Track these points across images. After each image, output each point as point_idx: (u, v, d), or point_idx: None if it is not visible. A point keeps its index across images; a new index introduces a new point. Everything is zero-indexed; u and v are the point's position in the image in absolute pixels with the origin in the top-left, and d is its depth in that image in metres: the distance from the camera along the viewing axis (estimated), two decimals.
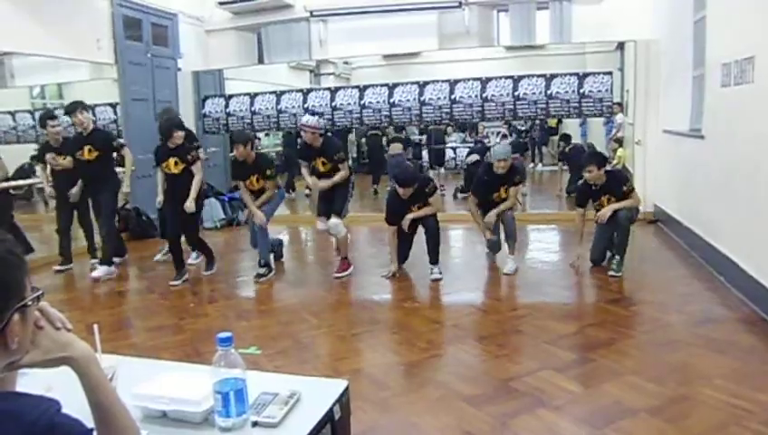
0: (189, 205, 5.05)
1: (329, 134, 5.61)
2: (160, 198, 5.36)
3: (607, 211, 4.85)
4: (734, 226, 4.40)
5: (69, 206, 5.64)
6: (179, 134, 5.16)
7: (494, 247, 5.45)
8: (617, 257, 4.92)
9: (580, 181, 5.27)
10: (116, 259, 5.69)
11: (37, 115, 7.51)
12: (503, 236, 5.38)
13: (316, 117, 5.25)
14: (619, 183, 4.96)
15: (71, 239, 5.84)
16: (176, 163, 5.13)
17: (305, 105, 8.08)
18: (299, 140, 5.30)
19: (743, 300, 4.06)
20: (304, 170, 5.33)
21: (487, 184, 5.29)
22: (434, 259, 5.06)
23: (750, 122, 4.00)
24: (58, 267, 5.70)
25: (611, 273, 4.85)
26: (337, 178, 5.08)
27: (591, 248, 5.22)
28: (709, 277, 4.67)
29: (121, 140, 5.52)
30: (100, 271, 5.38)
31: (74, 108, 5.31)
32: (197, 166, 5.20)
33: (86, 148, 5.32)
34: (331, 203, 5.18)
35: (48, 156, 5.54)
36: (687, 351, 3.31)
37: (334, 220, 5.11)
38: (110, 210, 5.59)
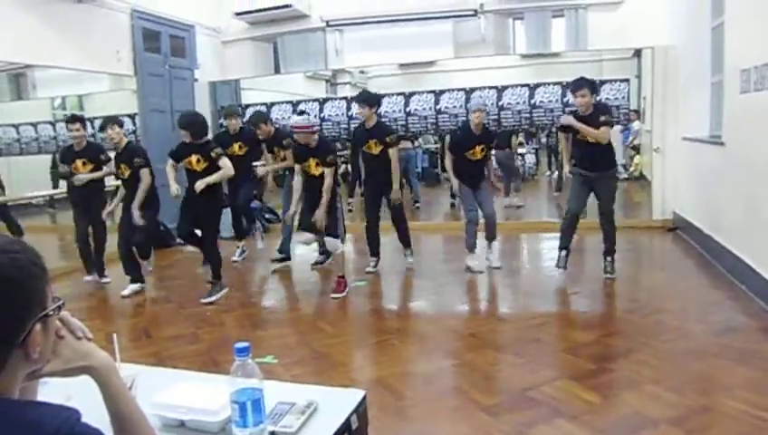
0: (199, 184, 4.77)
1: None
2: (174, 187, 5.04)
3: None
4: (755, 234, 4.34)
5: (87, 218, 5.48)
6: (183, 132, 4.93)
7: (472, 221, 5.46)
8: (608, 259, 4.91)
9: (569, 110, 5.36)
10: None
11: (58, 126, 7.66)
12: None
13: (304, 115, 5.06)
14: (601, 114, 4.76)
15: (90, 248, 5.70)
16: (198, 160, 4.91)
17: (321, 114, 8.13)
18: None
19: (765, 309, 3.99)
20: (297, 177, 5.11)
21: (463, 140, 5.39)
22: (406, 244, 5.61)
23: None
24: (87, 277, 5.64)
25: (606, 275, 4.82)
26: (325, 186, 4.80)
27: (569, 200, 5.06)
28: (730, 286, 4.60)
29: (138, 160, 5.24)
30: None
31: (105, 123, 5.24)
32: (224, 161, 4.94)
33: (122, 166, 5.23)
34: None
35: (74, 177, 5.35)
36: (709, 361, 3.26)
37: (330, 239, 4.90)
38: (153, 225, 5.53)
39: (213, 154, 4.93)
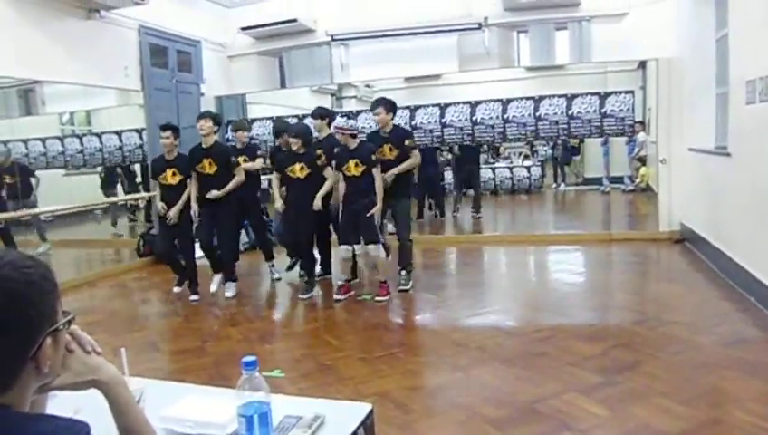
0: (317, 203, 5.09)
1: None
2: (279, 203, 5.35)
3: (388, 176, 5.07)
4: (763, 244, 4.32)
5: (170, 228, 5.35)
6: (293, 140, 5.13)
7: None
8: (403, 273, 5.33)
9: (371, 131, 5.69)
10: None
11: (66, 141, 7.74)
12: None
13: (344, 118, 5.30)
14: (403, 137, 5.24)
15: (175, 257, 5.54)
16: (302, 168, 5.14)
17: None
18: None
19: None
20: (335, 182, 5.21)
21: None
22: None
23: None
24: (176, 288, 5.59)
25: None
26: (377, 184, 4.98)
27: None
28: (740, 298, 4.57)
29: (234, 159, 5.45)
30: (219, 285, 5.41)
31: (201, 115, 5.36)
32: (328, 171, 5.17)
33: (206, 161, 5.26)
34: (358, 227, 5.03)
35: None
36: (719, 373, 3.23)
37: (372, 247, 5.02)
38: (232, 227, 5.54)
39: (319, 163, 5.17)
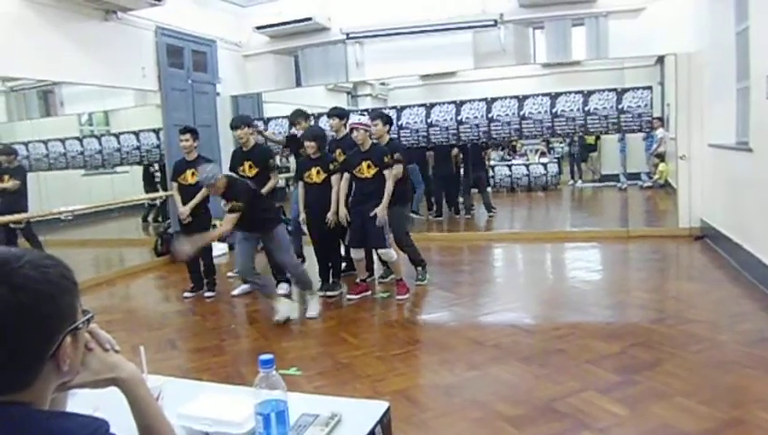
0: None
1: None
2: (303, 216, 5.35)
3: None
4: None
5: (188, 228, 5.43)
6: (308, 144, 5.13)
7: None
8: (419, 269, 5.45)
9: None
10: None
11: (85, 142, 7.83)
12: None
13: (366, 116, 5.28)
14: (395, 150, 5.25)
15: (198, 263, 5.62)
16: (318, 173, 5.19)
17: None
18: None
19: None
20: (343, 183, 5.16)
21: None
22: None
23: None
24: (187, 293, 5.60)
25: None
26: (387, 188, 4.93)
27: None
28: (762, 296, 4.50)
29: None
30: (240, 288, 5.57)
31: (236, 125, 5.44)
32: (336, 177, 5.17)
33: (246, 164, 5.40)
34: (366, 231, 5.02)
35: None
36: (740, 372, 3.19)
37: (382, 250, 5.08)
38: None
39: (332, 166, 5.19)
